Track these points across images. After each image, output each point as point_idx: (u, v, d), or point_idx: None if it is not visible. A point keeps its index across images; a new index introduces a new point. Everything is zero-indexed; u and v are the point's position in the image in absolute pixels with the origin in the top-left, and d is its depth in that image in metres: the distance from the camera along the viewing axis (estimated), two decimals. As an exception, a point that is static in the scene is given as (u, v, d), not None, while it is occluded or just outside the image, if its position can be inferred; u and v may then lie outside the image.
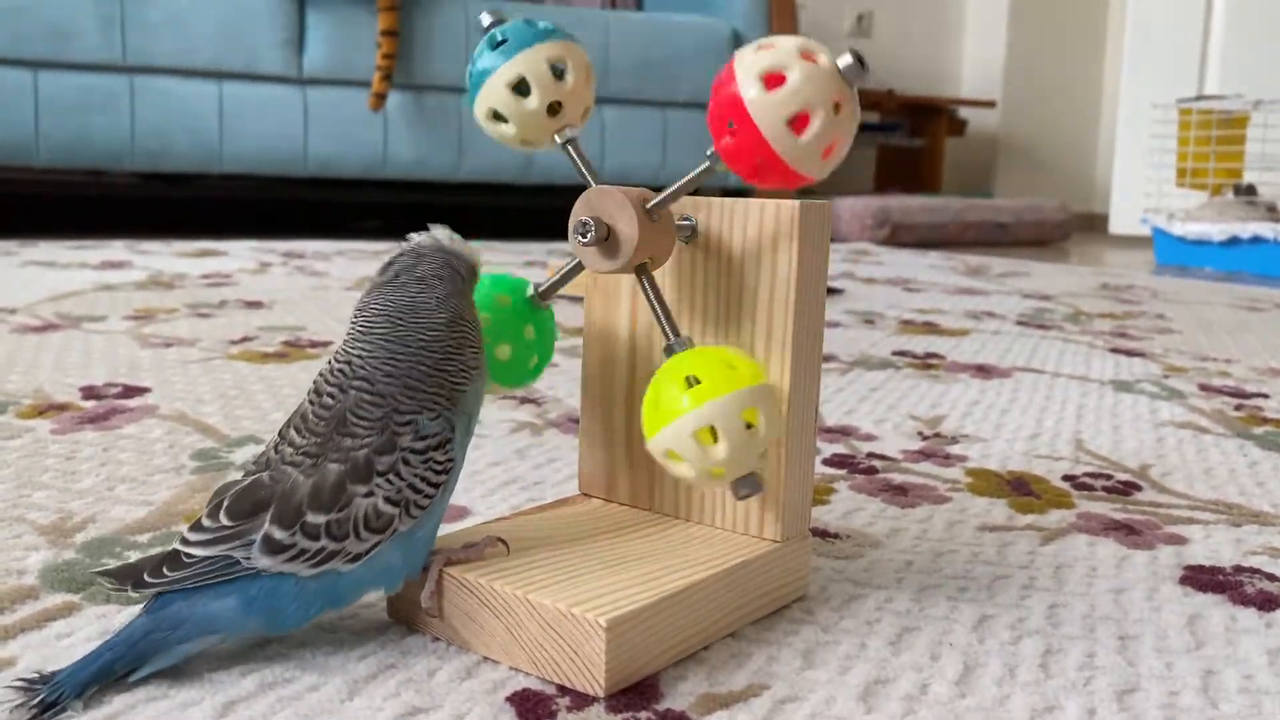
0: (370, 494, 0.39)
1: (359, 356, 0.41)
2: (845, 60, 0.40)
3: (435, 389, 0.41)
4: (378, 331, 0.41)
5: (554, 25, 0.45)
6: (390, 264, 0.43)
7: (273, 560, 0.38)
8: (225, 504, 0.39)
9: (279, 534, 0.38)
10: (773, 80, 0.40)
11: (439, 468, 0.41)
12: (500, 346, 0.47)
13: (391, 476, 0.40)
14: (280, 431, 0.41)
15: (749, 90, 0.40)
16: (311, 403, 0.41)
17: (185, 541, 0.39)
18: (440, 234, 0.44)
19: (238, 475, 0.61)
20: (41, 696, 0.36)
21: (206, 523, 0.39)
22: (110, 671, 0.37)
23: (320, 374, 0.42)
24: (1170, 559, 0.55)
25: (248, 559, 0.38)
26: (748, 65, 0.41)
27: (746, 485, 0.41)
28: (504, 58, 0.45)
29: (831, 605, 0.47)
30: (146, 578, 0.39)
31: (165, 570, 0.39)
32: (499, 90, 0.45)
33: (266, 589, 0.39)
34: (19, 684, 0.36)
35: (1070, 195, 4.15)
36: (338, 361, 0.42)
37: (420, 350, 0.41)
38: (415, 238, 0.44)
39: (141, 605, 0.40)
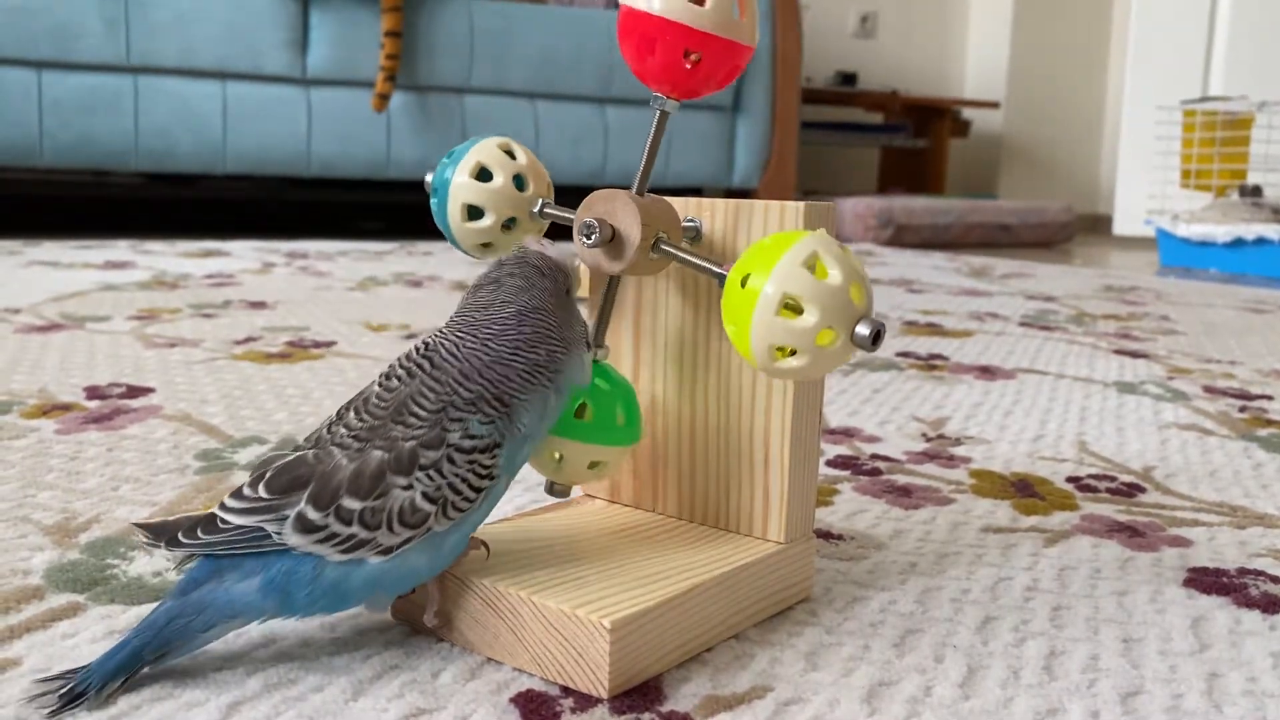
0: (409, 487, 0.39)
1: (437, 345, 0.41)
2: None
3: (489, 386, 0.40)
4: (459, 325, 0.41)
5: (487, 135, 0.49)
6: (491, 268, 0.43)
7: (303, 539, 0.38)
8: (267, 476, 0.39)
9: (312, 514, 0.38)
10: None
11: (483, 472, 0.40)
12: (578, 406, 0.45)
13: (433, 472, 0.39)
14: (339, 411, 0.41)
15: (649, 3, 0.42)
16: (380, 384, 0.41)
17: (224, 507, 0.39)
18: (536, 245, 0.43)
19: (242, 475, 0.61)
20: (70, 685, 0.36)
21: (246, 491, 0.39)
22: (139, 658, 0.37)
23: (397, 359, 0.42)
24: (1174, 561, 0.54)
25: (279, 534, 0.38)
26: None
27: (865, 327, 0.37)
28: (459, 159, 0.48)
29: (835, 607, 0.47)
30: (181, 537, 0.38)
31: (200, 532, 0.38)
32: (465, 184, 0.47)
33: (285, 569, 0.39)
34: (45, 679, 0.37)
35: (1074, 196, 4.15)
36: (416, 350, 0.41)
37: (485, 343, 0.41)
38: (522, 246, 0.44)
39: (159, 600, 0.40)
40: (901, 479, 0.67)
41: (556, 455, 0.45)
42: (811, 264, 0.38)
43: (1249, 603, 0.49)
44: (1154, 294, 1.84)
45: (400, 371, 0.41)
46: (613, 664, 0.38)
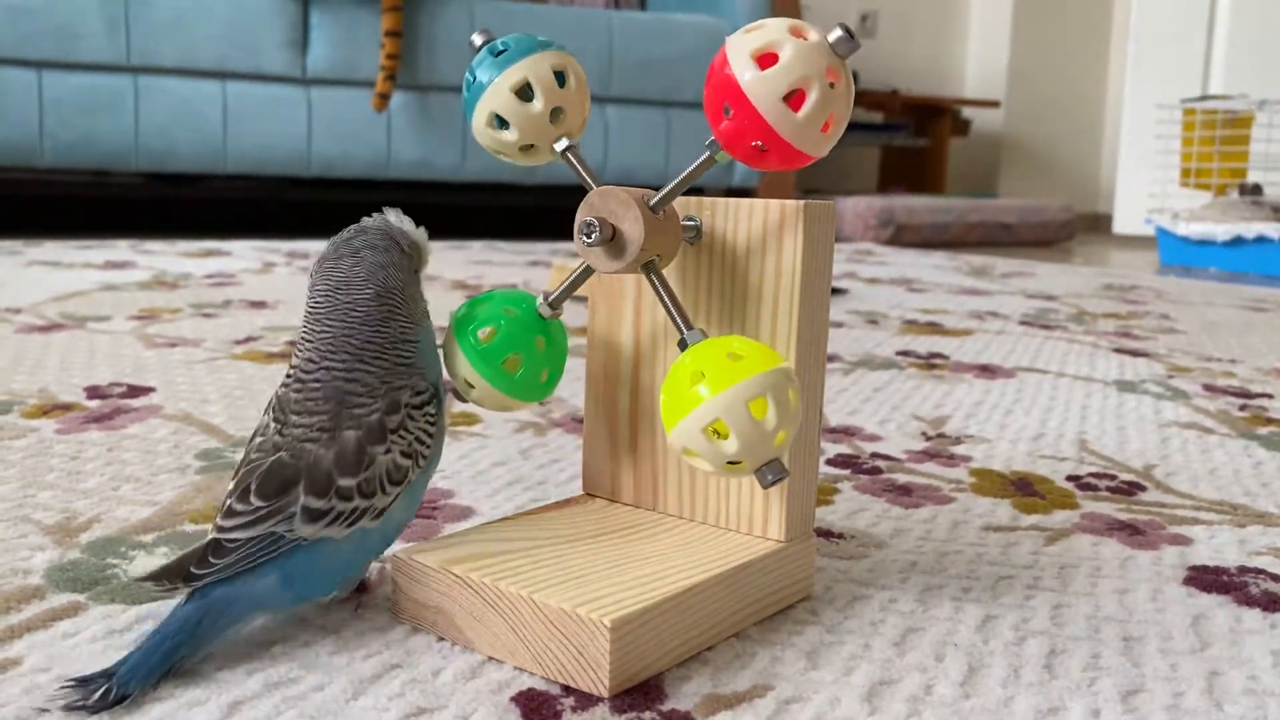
0: (388, 451, 0.42)
1: (313, 338, 0.44)
2: (836, 34, 0.41)
3: (378, 359, 0.43)
4: (321, 311, 0.44)
5: (551, 39, 0.46)
6: (333, 241, 0.45)
7: (314, 528, 0.41)
8: (254, 486, 0.41)
9: (316, 503, 0.41)
10: (765, 60, 0.40)
11: (432, 419, 0.45)
12: (510, 357, 0.47)
13: (402, 433, 0.43)
14: (275, 417, 0.43)
15: (743, 71, 0.40)
16: (292, 389, 0.43)
17: (222, 529, 0.40)
18: (389, 214, 0.47)
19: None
20: (107, 688, 0.36)
21: (239, 507, 0.41)
22: (174, 658, 0.38)
23: (295, 356, 0.44)
24: (1174, 560, 0.54)
25: (290, 531, 0.41)
26: (739, 47, 0.41)
27: (770, 473, 0.40)
28: (507, 64, 0.45)
29: (836, 606, 0.47)
30: (194, 570, 0.40)
31: (211, 559, 0.40)
32: (502, 94, 0.45)
33: (303, 561, 0.41)
34: (72, 684, 0.37)
35: (1074, 195, 4.15)
36: (304, 344, 0.44)
37: (355, 325, 0.43)
38: (365, 219, 0.46)
39: (184, 595, 0.41)
40: (902, 478, 0.67)
41: (470, 384, 0.47)
42: (757, 402, 0.39)
43: (1249, 601, 0.49)
44: (1154, 293, 1.84)
45: (313, 370, 0.43)
46: (613, 663, 0.38)
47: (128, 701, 0.36)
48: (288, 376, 0.44)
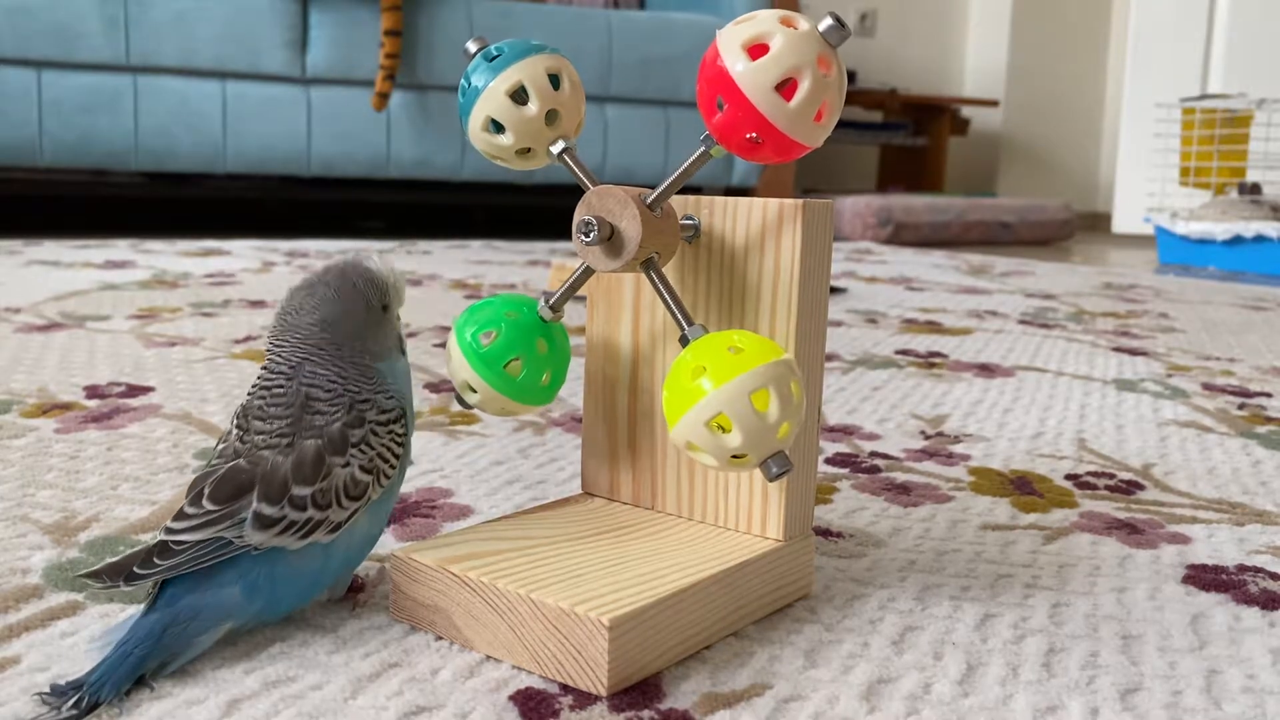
0: (347, 464, 0.42)
1: (287, 347, 0.44)
2: (826, 23, 0.41)
3: (341, 374, 0.44)
4: (278, 331, 0.45)
5: (544, 43, 0.47)
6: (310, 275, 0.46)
7: (264, 535, 0.40)
8: (207, 491, 0.41)
9: (268, 509, 0.40)
10: (756, 50, 0.40)
11: (399, 439, 0.44)
12: (512, 361, 0.46)
13: (363, 447, 0.43)
14: (238, 424, 0.43)
15: (735, 63, 0.40)
16: (261, 397, 0.43)
17: (170, 531, 0.40)
18: (365, 257, 0.47)
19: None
20: (79, 697, 0.36)
21: (190, 510, 0.40)
22: (142, 667, 0.38)
23: (263, 369, 0.45)
24: (1173, 558, 0.55)
25: (239, 537, 0.40)
26: (730, 39, 0.41)
27: (775, 465, 0.40)
28: (501, 68, 0.45)
29: (834, 604, 0.47)
30: (137, 570, 0.39)
31: (155, 560, 0.39)
32: (498, 98, 0.45)
33: (265, 573, 0.41)
34: (44, 694, 0.37)
35: (1073, 194, 4.15)
36: (274, 357, 0.44)
37: (311, 344, 0.44)
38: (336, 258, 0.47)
39: (145, 603, 0.40)
40: (900, 476, 0.67)
41: (472, 389, 0.47)
42: (759, 394, 0.39)
43: (1248, 599, 0.49)
44: (1153, 291, 1.85)
45: (279, 378, 0.43)
46: (612, 662, 0.38)
47: (100, 708, 0.36)
48: (253, 387, 0.44)
